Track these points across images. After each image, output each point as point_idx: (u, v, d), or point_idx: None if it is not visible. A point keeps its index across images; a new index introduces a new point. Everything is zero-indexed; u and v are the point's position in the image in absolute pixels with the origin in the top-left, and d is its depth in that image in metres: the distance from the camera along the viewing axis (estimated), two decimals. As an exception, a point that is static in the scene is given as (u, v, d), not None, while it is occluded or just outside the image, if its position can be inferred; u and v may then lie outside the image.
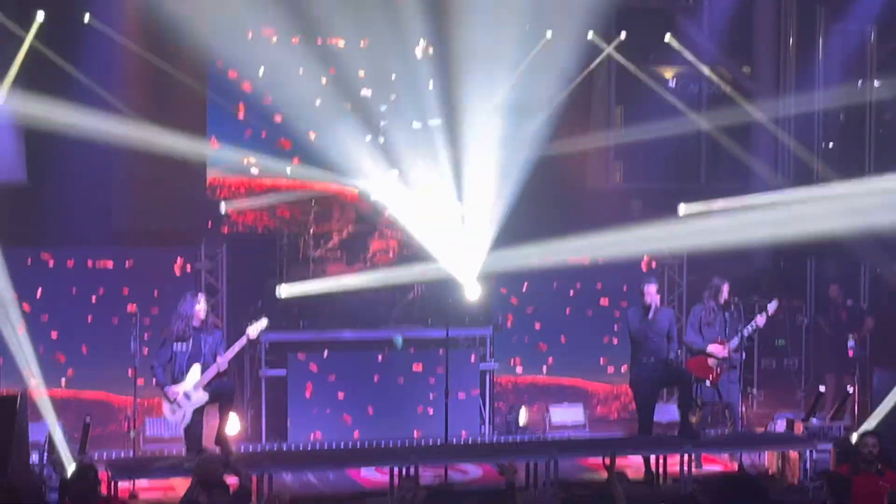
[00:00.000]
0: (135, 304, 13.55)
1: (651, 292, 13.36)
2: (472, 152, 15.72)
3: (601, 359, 15.94)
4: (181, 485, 12.24)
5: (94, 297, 14.46)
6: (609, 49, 16.73)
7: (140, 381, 13.26)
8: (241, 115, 15.65)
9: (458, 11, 15.30)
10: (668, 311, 13.79)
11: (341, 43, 15.86)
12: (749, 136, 17.51)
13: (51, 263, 14.37)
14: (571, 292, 15.91)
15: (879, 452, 10.80)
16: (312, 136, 15.77)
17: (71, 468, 11.82)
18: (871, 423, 13.60)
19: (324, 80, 15.81)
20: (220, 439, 12.47)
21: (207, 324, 12.69)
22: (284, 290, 14.80)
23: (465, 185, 15.68)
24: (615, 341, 15.74)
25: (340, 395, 14.72)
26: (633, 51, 17.27)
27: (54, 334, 14.21)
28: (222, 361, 12.41)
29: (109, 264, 14.56)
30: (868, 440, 10.87)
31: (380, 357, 14.92)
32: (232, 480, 9.84)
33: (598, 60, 16.67)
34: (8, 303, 13.54)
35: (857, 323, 15.69)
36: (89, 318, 14.38)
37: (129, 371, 13.12)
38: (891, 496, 10.14)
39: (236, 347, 12.63)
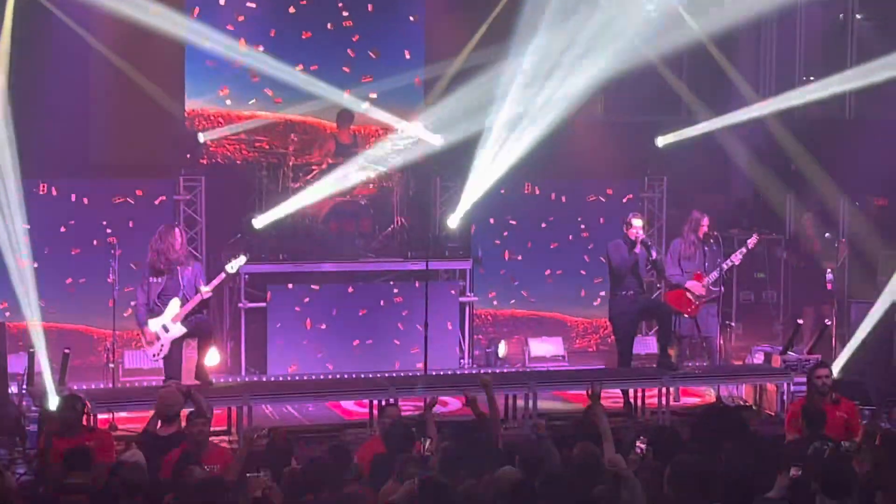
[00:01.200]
0: (114, 237, 13.48)
1: (637, 226, 13.36)
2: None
3: (582, 290, 15.97)
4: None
5: (68, 228, 14.39)
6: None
7: (127, 311, 13.25)
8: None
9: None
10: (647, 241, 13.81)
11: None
12: (731, 58, 17.42)
13: (43, 191, 14.27)
14: (544, 224, 15.88)
15: (832, 383, 10.95)
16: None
17: (52, 399, 11.83)
18: (843, 356, 13.77)
19: (291, 9, 15.73)
20: (199, 373, 12.50)
21: (185, 256, 12.63)
22: (259, 221, 14.76)
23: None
24: (594, 275, 15.77)
25: (321, 326, 14.73)
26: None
27: (34, 265, 14.17)
28: (206, 291, 12.38)
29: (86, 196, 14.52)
30: (820, 372, 11.03)
31: (359, 290, 14.93)
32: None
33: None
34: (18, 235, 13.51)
35: (831, 253, 15.68)
36: (73, 250, 14.32)
37: (109, 303, 13.10)
38: (869, 429, 10.24)
39: (216, 282, 12.61)
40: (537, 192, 15.94)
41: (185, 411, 10.20)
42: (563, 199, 16.00)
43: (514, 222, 15.84)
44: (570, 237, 15.96)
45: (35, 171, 14.27)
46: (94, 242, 14.19)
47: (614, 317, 13.60)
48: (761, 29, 17.51)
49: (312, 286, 14.80)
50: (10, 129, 13.53)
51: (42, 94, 14.81)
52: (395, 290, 14.99)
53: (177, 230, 12.68)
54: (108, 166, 15.36)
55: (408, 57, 16.27)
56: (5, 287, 13.57)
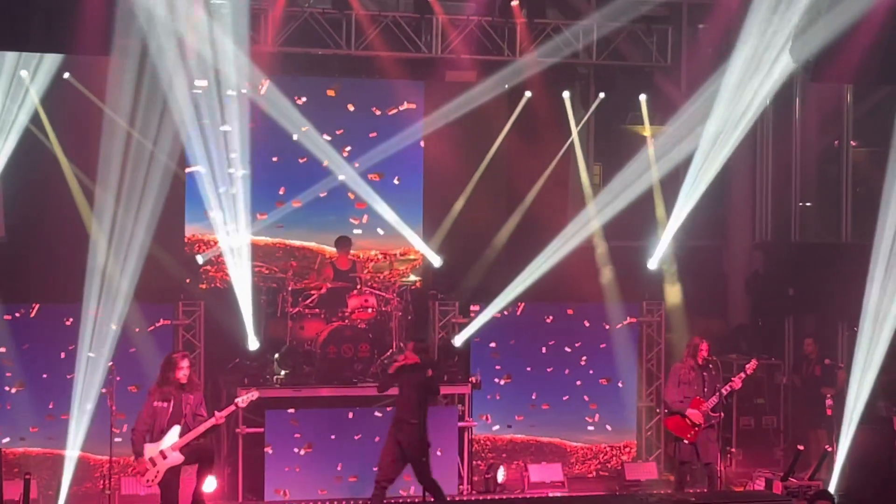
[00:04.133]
0: (112, 362, 13.47)
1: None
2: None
3: (585, 416, 15.90)
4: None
5: (64, 353, 14.36)
6: (591, 111, 17.07)
7: (120, 433, 13.14)
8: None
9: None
10: None
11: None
12: (727, 193, 17.61)
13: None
14: (544, 349, 15.86)
15: None
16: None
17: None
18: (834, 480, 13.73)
19: (295, 137, 15.98)
20: (197, 500, 12.38)
21: (190, 384, 12.57)
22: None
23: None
24: (588, 400, 15.79)
25: (319, 451, 14.61)
26: (611, 110, 17.42)
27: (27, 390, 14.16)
28: (220, 416, 12.35)
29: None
30: (821, 503, 10.92)
31: (357, 415, 14.84)
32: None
33: (582, 122, 17.04)
34: None
35: (830, 378, 15.68)
36: (68, 375, 14.28)
37: (113, 429, 13.03)
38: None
39: (226, 412, 12.55)
40: (546, 319, 15.92)
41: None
42: (561, 323, 15.98)
43: (512, 345, 15.82)
44: (573, 362, 15.89)
45: (32, 295, 14.33)
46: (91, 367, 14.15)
47: None
48: (757, 154, 17.70)
49: (310, 411, 14.71)
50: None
51: (41, 218, 14.93)
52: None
53: (186, 357, 12.64)
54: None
55: (396, 182, 16.52)
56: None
